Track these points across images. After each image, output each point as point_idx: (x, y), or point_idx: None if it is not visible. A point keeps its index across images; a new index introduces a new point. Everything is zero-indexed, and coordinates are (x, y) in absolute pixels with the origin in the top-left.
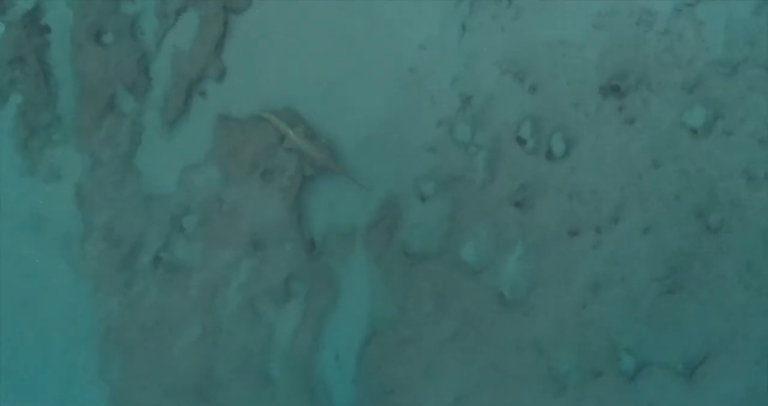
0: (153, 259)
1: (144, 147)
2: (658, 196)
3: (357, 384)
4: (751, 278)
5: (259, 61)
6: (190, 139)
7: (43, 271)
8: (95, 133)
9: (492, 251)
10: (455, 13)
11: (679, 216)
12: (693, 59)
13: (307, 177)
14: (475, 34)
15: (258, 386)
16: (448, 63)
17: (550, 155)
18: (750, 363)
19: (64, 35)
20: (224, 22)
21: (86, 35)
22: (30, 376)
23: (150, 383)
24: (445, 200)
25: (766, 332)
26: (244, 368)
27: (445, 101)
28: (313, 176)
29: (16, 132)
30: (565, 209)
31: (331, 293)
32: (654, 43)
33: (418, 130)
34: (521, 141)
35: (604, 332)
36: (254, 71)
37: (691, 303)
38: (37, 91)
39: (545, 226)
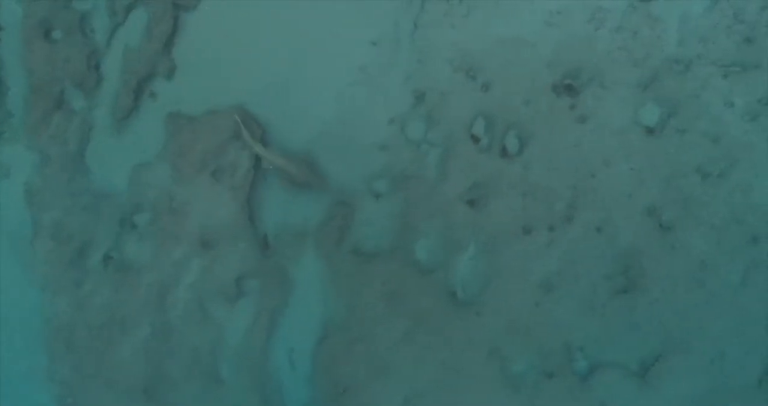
0: (103, 258)
1: (94, 145)
2: (611, 195)
3: (310, 384)
4: (704, 276)
5: (210, 58)
6: (140, 137)
7: None
8: (44, 131)
9: (444, 250)
10: (407, 10)
11: (632, 215)
12: (646, 57)
13: (258, 176)
14: (427, 31)
15: (209, 386)
16: (401, 60)
17: (503, 153)
18: (704, 362)
19: (14, 32)
20: (174, 19)
21: (35, 32)
22: None
23: (99, 382)
24: (397, 199)
25: (719, 331)
26: (195, 367)
27: (397, 99)
28: (265, 175)
29: None
30: (518, 207)
31: (282, 292)
32: (607, 40)
33: (370, 127)
34: (474, 139)
35: (557, 331)
36: (204, 69)
37: (644, 302)
38: None
39: (498, 224)
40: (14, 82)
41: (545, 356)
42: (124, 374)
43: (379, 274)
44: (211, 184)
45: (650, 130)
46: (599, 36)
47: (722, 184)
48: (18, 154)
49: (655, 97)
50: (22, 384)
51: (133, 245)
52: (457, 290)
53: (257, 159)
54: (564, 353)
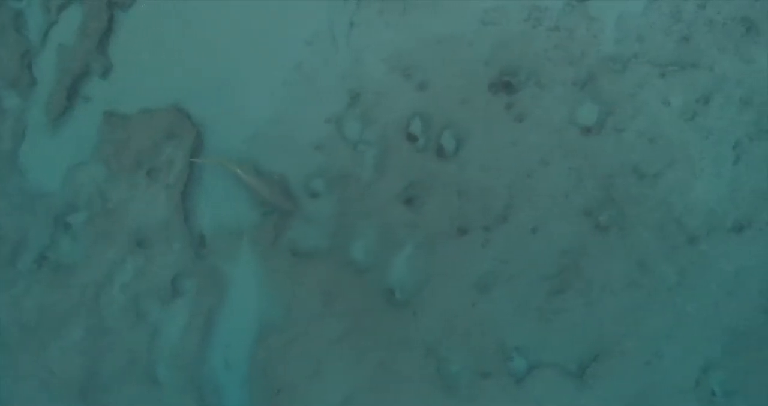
0: (37, 258)
1: (28, 144)
2: (548, 195)
3: (246, 385)
4: (641, 277)
5: (146, 57)
6: (74, 137)
7: None
8: None
9: (381, 250)
10: (343, 9)
11: (568, 214)
12: (583, 56)
13: (193, 175)
14: (363, 29)
15: (144, 387)
16: (336, 59)
17: (440, 153)
18: (640, 363)
19: None
20: (109, 17)
21: None
22: None
23: (32, 384)
24: (334, 199)
25: (656, 331)
26: (130, 368)
27: (332, 98)
28: (200, 175)
29: None
30: (454, 207)
31: (218, 292)
32: (544, 39)
33: (306, 127)
34: (411, 138)
35: (493, 331)
36: (140, 68)
37: (581, 302)
38: None
39: (434, 224)
40: None
41: (482, 356)
42: (59, 375)
43: (316, 274)
44: (146, 184)
45: (587, 130)
46: (536, 35)
47: (659, 184)
48: None
49: (593, 96)
50: None
51: (68, 245)
52: (393, 290)
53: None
54: (501, 354)
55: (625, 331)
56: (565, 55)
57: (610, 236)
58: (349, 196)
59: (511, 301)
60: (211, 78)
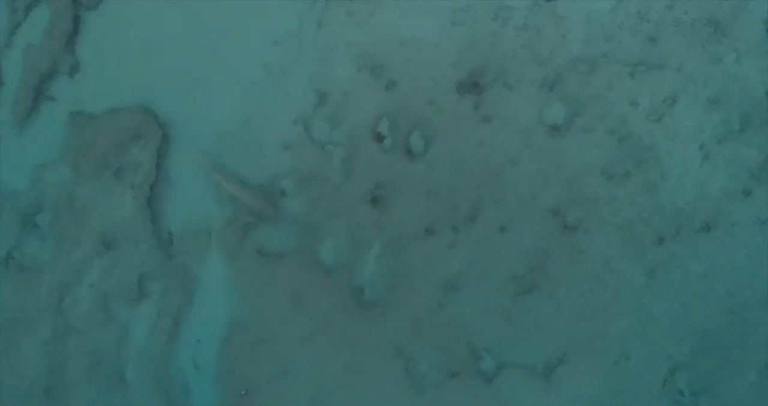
0: (4, 258)
1: None
2: (516, 195)
3: (215, 385)
4: (608, 277)
5: (113, 57)
6: (41, 137)
7: None
8: None
9: (349, 250)
10: (311, 9)
11: (536, 215)
12: (551, 56)
13: (160, 175)
14: (331, 30)
15: (112, 388)
16: (304, 59)
17: (408, 153)
18: (607, 363)
19: None
20: (76, 17)
21: None
22: None
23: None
24: (302, 199)
25: (623, 331)
26: (98, 369)
27: (300, 98)
28: (168, 175)
29: None
30: (422, 207)
31: (186, 293)
32: (512, 39)
33: (274, 127)
34: (379, 138)
35: (462, 332)
36: (107, 68)
37: (548, 302)
38: None
39: (402, 225)
40: None
41: (450, 356)
42: (25, 376)
43: (284, 274)
44: (112, 184)
45: (555, 130)
46: (504, 34)
47: (627, 185)
48: None
49: (561, 96)
50: None
51: (35, 245)
52: (361, 291)
53: (159, 158)
54: (469, 354)
55: (592, 331)
56: (533, 55)
57: (578, 236)
58: (317, 196)
59: (479, 301)
60: (179, 78)
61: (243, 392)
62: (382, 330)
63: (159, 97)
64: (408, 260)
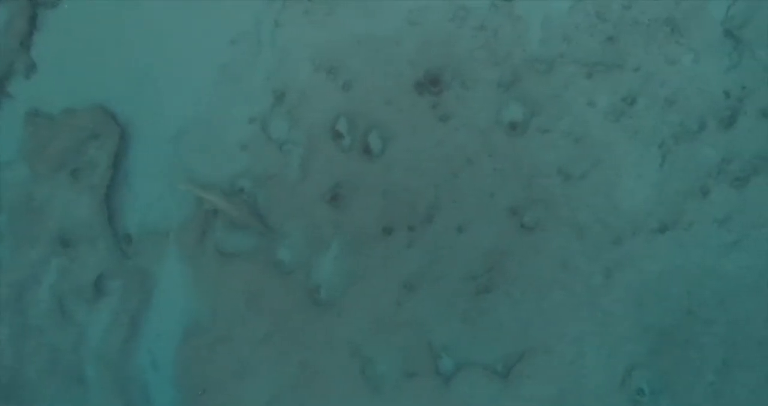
0: None
1: None
2: (473, 195)
3: (173, 385)
4: (566, 277)
5: (69, 56)
6: None
7: None
8: None
9: (306, 250)
10: (268, 9)
11: (494, 214)
12: (509, 56)
13: (117, 175)
14: (288, 29)
15: (70, 387)
16: (261, 59)
17: (365, 153)
18: (565, 363)
19: None
20: (32, 16)
21: None
22: None
23: None
24: (259, 198)
25: (580, 331)
26: (56, 368)
27: (258, 98)
28: (126, 175)
29: None
30: (380, 207)
31: (144, 292)
32: (469, 39)
33: (231, 126)
34: (337, 138)
35: (420, 331)
36: (64, 67)
37: (506, 302)
38: None
39: (360, 224)
40: None
41: (408, 356)
42: None
43: (241, 274)
44: (69, 184)
45: (513, 130)
46: (461, 34)
47: (585, 185)
48: None
49: (518, 96)
50: None
51: None
52: (318, 291)
53: (117, 158)
54: (427, 354)
55: (550, 331)
56: (490, 56)
57: (535, 236)
58: (274, 196)
59: (437, 301)
60: (136, 78)
61: (200, 392)
62: (340, 330)
63: (116, 97)
64: (365, 259)
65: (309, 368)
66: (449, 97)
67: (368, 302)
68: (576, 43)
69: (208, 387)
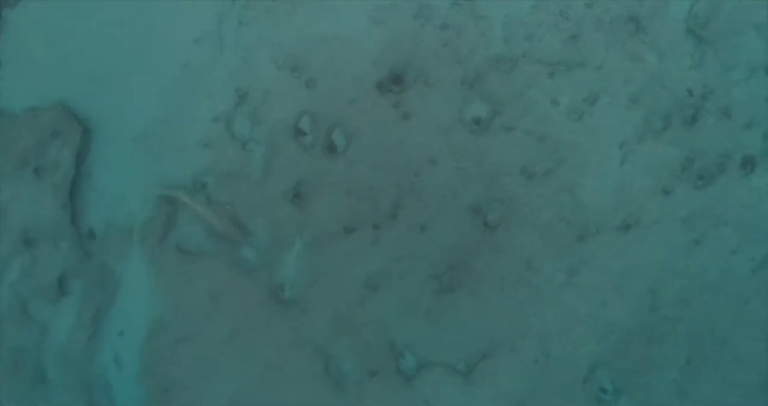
0: None
1: None
2: (436, 193)
3: (137, 383)
4: (529, 275)
5: (32, 55)
6: None
7: None
8: None
9: (270, 248)
10: (231, 8)
11: (457, 213)
12: (472, 55)
13: (81, 173)
14: (251, 28)
15: (33, 387)
16: (225, 58)
17: (328, 151)
18: (528, 361)
19: None
20: None
21: None
22: None
23: None
24: (222, 197)
25: (544, 330)
26: (18, 368)
27: (221, 97)
28: (89, 173)
29: None
30: (343, 205)
31: (107, 291)
32: (432, 38)
33: (194, 125)
34: (300, 136)
35: (383, 330)
36: (26, 66)
37: (469, 301)
38: None
39: (323, 223)
40: None
41: (371, 355)
42: None
43: (204, 272)
44: (32, 182)
45: (476, 129)
46: (424, 33)
47: (548, 184)
48: None
49: (481, 95)
50: None
51: None
52: (282, 289)
53: (80, 157)
54: (390, 352)
55: (513, 329)
56: (453, 54)
57: (499, 234)
58: (238, 194)
59: (400, 299)
60: (99, 76)
61: (164, 390)
62: (303, 328)
63: (79, 96)
64: (329, 258)
65: (272, 366)
66: (412, 95)
67: (331, 301)
68: (539, 41)
69: (170, 386)
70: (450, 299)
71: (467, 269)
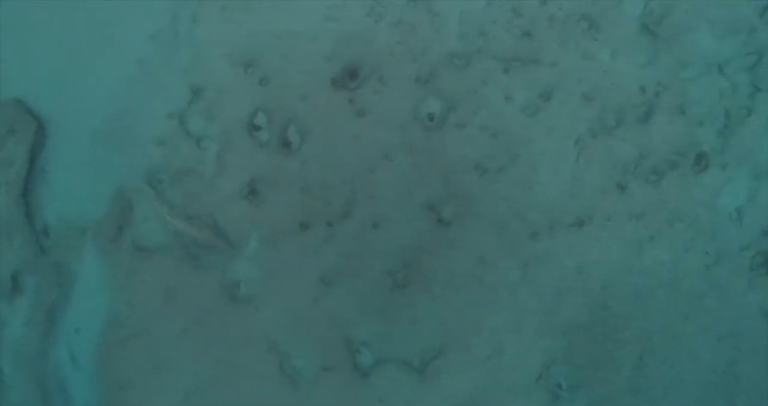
0: None
1: None
2: (391, 190)
3: (93, 380)
4: (483, 272)
5: None
6: None
7: None
8: None
9: (224, 245)
10: (186, 4)
11: (411, 210)
12: (426, 51)
13: (35, 170)
14: (206, 25)
15: None
16: (179, 54)
17: (282, 148)
18: (482, 358)
19: None
20: None
21: None
22: None
23: None
24: (176, 194)
25: (498, 326)
26: None
27: (175, 93)
28: (44, 170)
29: None
30: (297, 202)
31: (62, 288)
32: (387, 34)
33: (149, 122)
34: (255, 133)
35: (338, 327)
36: None
37: (424, 298)
38: None
39: (277, 220)
40: None
41: (325, 351)
42: None
43: (159, 269)
44: None
45: (430, 125)
46: (378, 30)
47: (502, 180)
48: None
49: (435, 91)
50: None
51: None
52: (236, 286)
53: (34, 154)
54: (345, 349)
55: (467, 326)
56: (407, 51)
57: (453, 231)
58: (191, 191)
59: (355, 296)
60: (54, 73)
61: (118, 388)
62: (257, 325)
63: (34, 93)
64: (283, 254)
65: (227, 363)
66: (366, 92)
67: (285, 298)
68: (493, 38)
69: (125, 383)
70: (404, 295)
71: (421, 265)
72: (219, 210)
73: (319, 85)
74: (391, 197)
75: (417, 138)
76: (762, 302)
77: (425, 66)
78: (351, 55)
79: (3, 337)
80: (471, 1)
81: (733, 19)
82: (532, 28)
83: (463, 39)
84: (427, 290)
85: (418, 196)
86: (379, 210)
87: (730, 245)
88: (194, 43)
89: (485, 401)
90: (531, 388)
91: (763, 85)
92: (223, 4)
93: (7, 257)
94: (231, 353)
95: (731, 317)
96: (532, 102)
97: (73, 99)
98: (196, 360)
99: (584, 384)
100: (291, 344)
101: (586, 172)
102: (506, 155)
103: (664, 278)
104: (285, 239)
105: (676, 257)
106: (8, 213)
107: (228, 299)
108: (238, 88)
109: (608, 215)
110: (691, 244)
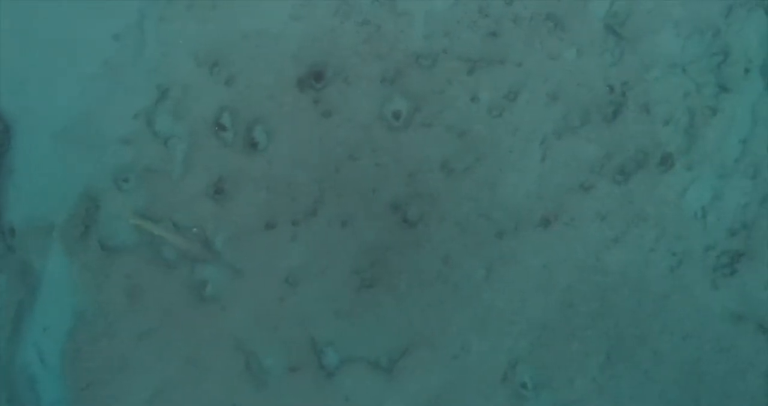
0: None
1: None
2: (356, 190)
3: (61, 379)
4: (449, 271)
5: None
6: None
7: None
8: None
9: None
10: (152, 3)
11: (376, 209)
12: (392, 51)
13: (2, 170)
14: (172, 24)
15: None
16: (145, 54)
17: (249, 148)
18: (448, 357)
19: None
20: None
21: None
22: None
23: None
24: (142, 193)
25: (463, 325)
26: None
27: (141, 93)
28: (10, 169)
29: None
30: (263, 201)
31: (28, 286)
32: (352, 34)
33: (115, 122)
34: (221, 133)
35: (304, 326)
36: None
37: (390, 297)
38: None
39: (243, 219)
40: None
41: (292, 351)
42: None
43: (126, 268)
44: None
45: (396, 125)
46: (344, 30)
47: (467, 180)
48: None
49: (401, 91)
50: None
51: None
52: (202, 285)
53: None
54: (311, 348)
55: (433, 325)
56: (373, 51)
57: (418, 231)
58: (157, 191)
59: (321, 295)
60: (19, 73)
61: (85, 386)
62: (224, 325)
63: None
64: (249, 254)
65: (193, 362)
66: (332, 92)
67: (252, 297)
68: (458, 38)
69: (92, 381)
70: (370, 294)
71: (387, 265)
72: (185, 209)
73: (286, 84)
74: (357, 197)
75: (383, 138)
76: (726, 302)
77: (391, 65)
78: (317, 54)
79: None
80: (437, 2)
81: (698, 19)
82: (497, 28)
83: (428, 39)
84: (393, 289)
85: (384, 196)
86: (344, 210)
87: (695, 245)
88: (160, 42)
89: (451, 400)
90: (497, 387)
91: (728, 85)
92: (190, 3)
93: None
94: (198, 352)
95: (696, 316)
96: (498, 102)
97: (38, 99)
98: (163, 359)
99: (550, 383)
100: (257, 343)
101: (551, 172)
102: (472, 155)
103: (629, 277)
104: (251, 238)
105: (641, 257)
106: None
107: (195, 299)
108: (205, 88)
109: (574, 214)
110: (656, 244)
